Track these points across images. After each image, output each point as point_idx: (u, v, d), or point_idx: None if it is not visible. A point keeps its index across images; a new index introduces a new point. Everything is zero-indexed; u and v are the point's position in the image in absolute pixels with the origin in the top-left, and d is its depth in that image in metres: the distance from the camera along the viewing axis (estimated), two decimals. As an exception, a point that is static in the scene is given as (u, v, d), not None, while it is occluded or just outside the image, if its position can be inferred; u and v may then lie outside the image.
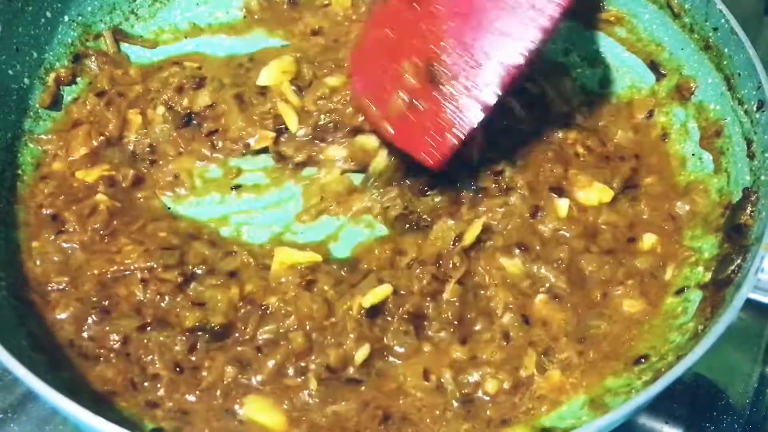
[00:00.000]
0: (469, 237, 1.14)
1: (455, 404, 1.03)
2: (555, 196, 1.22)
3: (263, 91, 1.33)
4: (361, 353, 1.04)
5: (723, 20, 1.22)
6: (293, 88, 1.31)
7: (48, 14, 1.31)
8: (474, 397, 1.04)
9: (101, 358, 1.04)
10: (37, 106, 1.29)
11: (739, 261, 1.04)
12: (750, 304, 0.97)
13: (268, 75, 1.34)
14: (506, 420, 1.02)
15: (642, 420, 1.18)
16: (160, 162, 1.27)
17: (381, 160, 1.23)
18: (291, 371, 1.04)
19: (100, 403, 0.99)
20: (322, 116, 1.28)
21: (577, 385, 1.05)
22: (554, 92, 1.35)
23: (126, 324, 1.07)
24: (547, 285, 1.13)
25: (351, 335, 1.05)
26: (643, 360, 1.05)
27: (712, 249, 1.14)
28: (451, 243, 1.14)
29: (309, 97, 1.30)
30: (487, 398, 1.04)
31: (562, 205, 1.20)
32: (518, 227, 1.18)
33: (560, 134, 1.30)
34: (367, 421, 1.01)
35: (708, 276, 1.10)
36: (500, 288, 1.11)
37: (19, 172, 1.23)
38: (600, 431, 0.87)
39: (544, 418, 1.02)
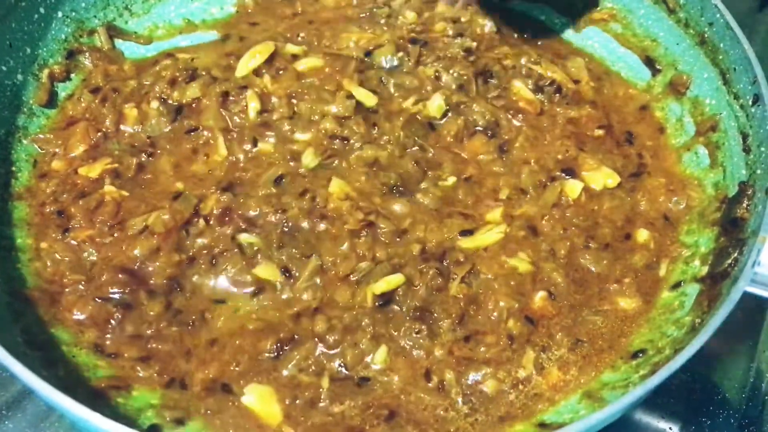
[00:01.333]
0: (483, 241, 1.16)
1: (459, 403, 1.03)
2: (566, 176, 1.24)
3: (246, 83, 1.33)
4: (381, 355, 1.05)
5: (718, 15, 1.22)
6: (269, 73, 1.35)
7: (41, 10, 1.30)
8: (474, 396, 1.04)
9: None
10: (32, 102, 1.28)
11: (735, 254, 1.04)
12: (746, 298, 0.97)
13: (244, 64, 1.36)
14: (506, 417, 1.02)
15: (638, 415, 1.18)
16: (159, 152, 1.26)
17: (309, 155, 1.24)
18: (312, 368, 1.04)
19: (97, 400, 0.98)
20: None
21: (574, 382, 1.05)
22: (562, 72, 1.37)
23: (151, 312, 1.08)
24: (546, 280, 1.13)
25: (368, 331, 1.06)
26: (640, 354, 1.05)
27: (708, 243, 1.14)
28: (459, 234, 1.16)
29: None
30: (487, 396, 1.03)
31: (574, 186, 1.22)
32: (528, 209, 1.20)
33: (572, 113, 1.32)
34: (371, 419, 1.00)
35: (705, 270, 1.10)
36: (502, 291, 1.11)
37: (14, 169, 1.22)
38: (598, 424, 0.87)
39: (543, 413, 1.02)
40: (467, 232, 1.16)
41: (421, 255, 1.13)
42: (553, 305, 1.11)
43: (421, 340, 1.06)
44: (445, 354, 1.06)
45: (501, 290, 1.11)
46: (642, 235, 1.19)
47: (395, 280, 1.09)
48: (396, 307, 1.09)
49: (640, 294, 1.13)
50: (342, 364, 1.05)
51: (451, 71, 1.35)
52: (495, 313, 1.09)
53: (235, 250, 1.13)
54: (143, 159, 1.24)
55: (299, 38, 1.44)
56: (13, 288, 1.09)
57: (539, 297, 1.11)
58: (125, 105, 1.29)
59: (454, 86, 1.34)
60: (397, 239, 1.15)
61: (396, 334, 1.07)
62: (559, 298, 1.12)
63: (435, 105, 1.30)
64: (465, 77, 1.35)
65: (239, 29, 1.48)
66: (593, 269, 1.15)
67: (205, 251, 1.13)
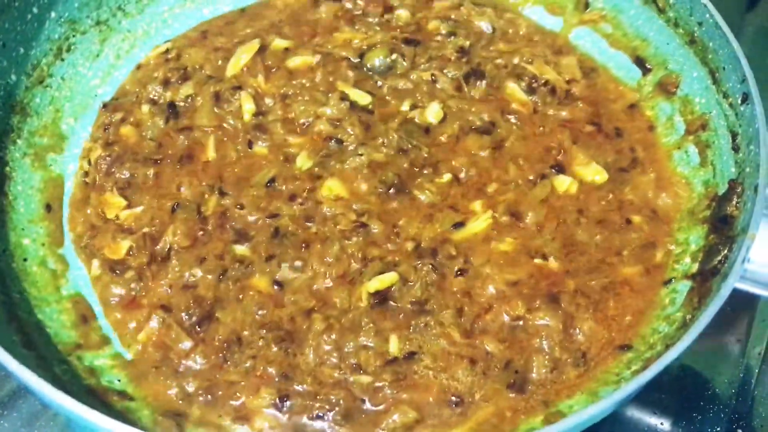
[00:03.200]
0: (473, 229, 1.17)
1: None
2: (556, 172, 1.25)
3: (239, 83, 1.34)
4: (394, 343, 1.06)
5: (708, 15, 1.23)
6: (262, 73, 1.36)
7: (35, 10, 1.30)
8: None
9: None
10: (26, 102, 1.29)
11: (725, 251, 1.05)
12: (736, 294, 0.98)
13: (234, 63, 1.37)
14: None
15: (630, 411, 1.19)
16: (163, 158, 1.27)
17: (303, 157, 1.25)
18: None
19: (93, 398, 0.99)
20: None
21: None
22: (555, 72, 1.37)
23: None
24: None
25: (370, 329, 1.07)
26: (632, 350, 1.06)
27: (698, 240, 1.15)
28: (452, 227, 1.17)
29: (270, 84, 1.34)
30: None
31: (563, 181, 1.23)
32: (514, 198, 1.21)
33: (564, 113, 1.33)
34: None
35: (695, 267, 1.11)
36: (496, 277, 1.12)
37: (8, 169, 1.22)
38: (590, 419, 0.88)
39: (535, 409, 1.03)
40: (459, 225, 1.17)
41: (415, 252, 1.14)
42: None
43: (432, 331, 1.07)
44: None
45: (495, 277, 1.12)
46: (635, 219, 1.20)
47: (389, 278, 1.10)
48: (393, 304, 1.10)
49: (642, 264, 1.15)
50: (357, 366, 1.05)
51: (445, 71, 1.35)
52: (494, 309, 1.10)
53: (235, 263, 1.14)
54: (157, 166, 1.25)
55: (285, 33, 1.44)
56: (8, 287, 1.09)
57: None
58: (121, 127, 1.30)
59: (450, 89, 1.34)
60: (391, 238, 1.16)
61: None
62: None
63: (433, 112, 1.30)
64: (459, 77, 1.35)
65: (221, 24, 1.49)
66: (587, 240, 1.17)
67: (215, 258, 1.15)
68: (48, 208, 1.22)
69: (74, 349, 1.07)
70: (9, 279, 1.10)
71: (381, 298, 1.10)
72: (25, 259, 1.15)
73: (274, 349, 1.06)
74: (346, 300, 1.10)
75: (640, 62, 1.38)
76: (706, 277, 1.06)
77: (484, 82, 1.35)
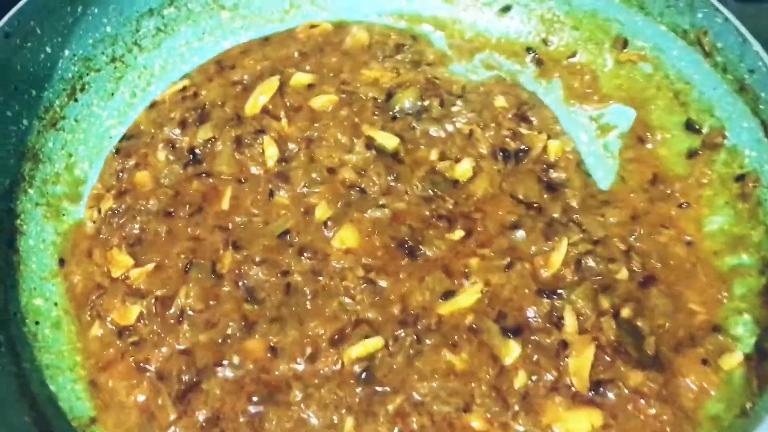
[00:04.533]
0: (461, 303, 1.09)
1: None
2: None
3: (261, 127, 1.27)
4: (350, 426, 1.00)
5: (760, 62, 1.15)
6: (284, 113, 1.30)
7: (48, 49, 1.24)
8: None
9: None
10: (37, 148, 1.22)
11: (784, 329, 0.98)
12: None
13: (254, 102, 1.31)
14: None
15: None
16: (181, 213, 1.21)
17: (322, 207, 1.18)
18: None
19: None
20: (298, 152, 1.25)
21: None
22: None
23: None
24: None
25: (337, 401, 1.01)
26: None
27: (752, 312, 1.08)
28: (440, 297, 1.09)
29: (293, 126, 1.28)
30: None
31: None
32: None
33: None
34: None
35: (750, 344, 1.03)
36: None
37: (19, 222, 1.16)
38: None
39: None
40: (449, 294, 1.09)
41: (399, 317, 1.07)
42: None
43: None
44: None
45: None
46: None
47: (373, 344, 1.04)
48: (376, 381, 1.03)
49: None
50: None
51: (486, 134, 1.27)
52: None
53: (242, 322, 1.08)
54: (170, 219, 1.19)
55: (307, 68, 1.38)
56: (19, 356, 1.03)
57: None
58: (136, 173, 1.24)
59: (485, 150, 1.25)
60: (387, 298, 1.09)
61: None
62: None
63: (462, 169, 1.23)
64: (505, 142, 1.27)
65: (236, 53, 1.43)
66: None
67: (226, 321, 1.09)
68: (62, 263, 1.16)
69: (89, 424, 1.01)
70: (20, 346, 1.05)
71: (365, 366, 1.03)
72: (37, 323, 1.09)
73: (241, 419, 1.01)
74: (331, 364, 1.03)
75: (690, 127, 1.29)
76: (763, 355, 0.99)
77: (528, 155, 1.27)
